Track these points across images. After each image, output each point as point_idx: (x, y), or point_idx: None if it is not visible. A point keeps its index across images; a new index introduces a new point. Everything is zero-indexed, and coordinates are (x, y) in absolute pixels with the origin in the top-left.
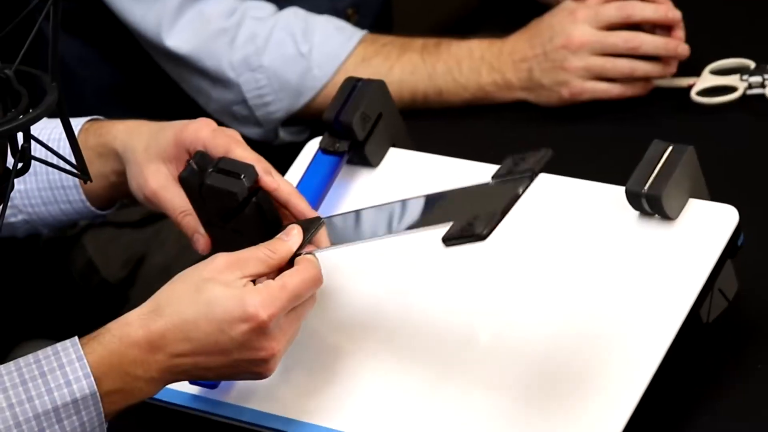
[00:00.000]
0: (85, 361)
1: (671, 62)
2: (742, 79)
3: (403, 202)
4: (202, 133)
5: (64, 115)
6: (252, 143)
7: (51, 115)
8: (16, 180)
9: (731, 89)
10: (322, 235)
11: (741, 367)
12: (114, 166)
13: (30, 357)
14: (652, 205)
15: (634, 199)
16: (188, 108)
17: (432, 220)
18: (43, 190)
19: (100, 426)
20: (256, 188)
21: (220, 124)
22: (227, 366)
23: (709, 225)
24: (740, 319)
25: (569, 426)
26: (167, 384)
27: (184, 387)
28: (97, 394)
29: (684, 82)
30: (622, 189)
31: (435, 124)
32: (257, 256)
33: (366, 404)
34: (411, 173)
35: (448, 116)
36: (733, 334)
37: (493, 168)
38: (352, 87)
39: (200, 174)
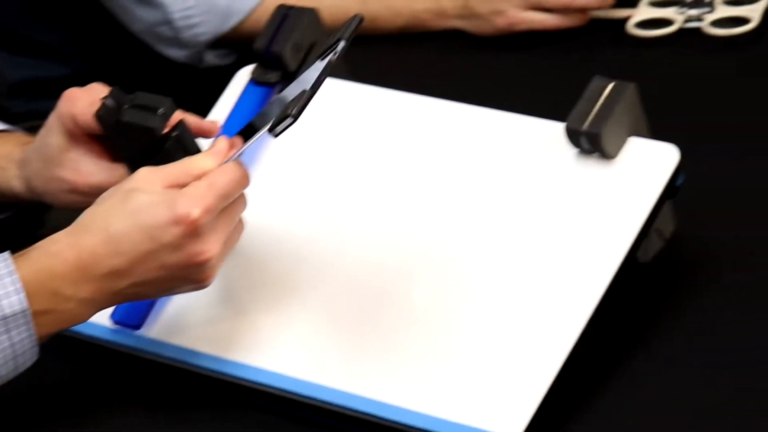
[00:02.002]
0: (17, 276)
1: None
2: (679, 12)
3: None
4: (80, 105)
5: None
6: (177, 66)
7: None
8: None
9: (668, 22)
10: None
11: (677, 308)
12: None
13: None
14: (591, 142)
15: (573, 136)
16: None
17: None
18: None
19: (32, 349)
20: (177, 123)
21: (142, 46)
22: (164, 279)
23: (649, 164)
24: (677, 260)
25: (503, 368)
26: (102, 308)
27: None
28: (29, 311)
29: (621, 13)
30: (560, 125)
31: (367, 52)
32: (181, 166)
33: (295, 343)
34: (344, 105)
35: (380, 44)
36: (670, 274)
37: (429, 100)
38: (284, 15)
39: (116, 111)
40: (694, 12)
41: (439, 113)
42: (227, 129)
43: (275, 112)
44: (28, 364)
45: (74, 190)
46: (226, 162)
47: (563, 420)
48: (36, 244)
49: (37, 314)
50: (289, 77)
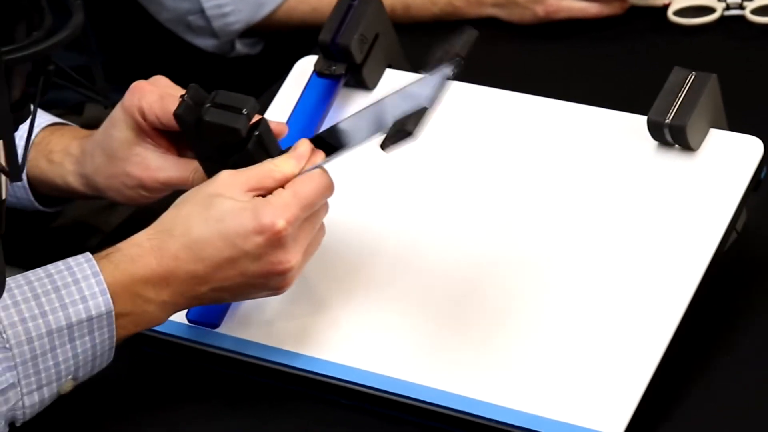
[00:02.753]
0: (101, 277)
1: None
2: (719, 0)
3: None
4: (149, 99)
5: (87, 36)
6: (206, 55)
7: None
8: None
9: (709, 10)
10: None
11: (756, 304)
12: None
13: (40, 271)
14: (674, 135)
15: (655, 129)
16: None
17: (374, 129)
18: None
19: (110, 350)
20: (257, 121)
21: (170, 34)
22: (243, 285)
23: (733, 157)
24: (750, 253)
25: (599, 365)
26: (179, 310)
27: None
28: (113, 312)
29: (659, 1)
30: (635, 117)
31: (401, 41)
32: (263, 170)
33: (381, 340)
34: None
35: (414, 32)
36: (744, 267)
37: (484, 89)
38: (348, 6)
39: (196, 109)
40: (734, 0)
41: (514, 106)
42: (293, 123)
43: (367, 123)
44: (104, 365)
45: (141, 186)
46: (310, 169)
47: (659, 417)
48: (117, 245)
49: (118, 316)
50: (356, 69)
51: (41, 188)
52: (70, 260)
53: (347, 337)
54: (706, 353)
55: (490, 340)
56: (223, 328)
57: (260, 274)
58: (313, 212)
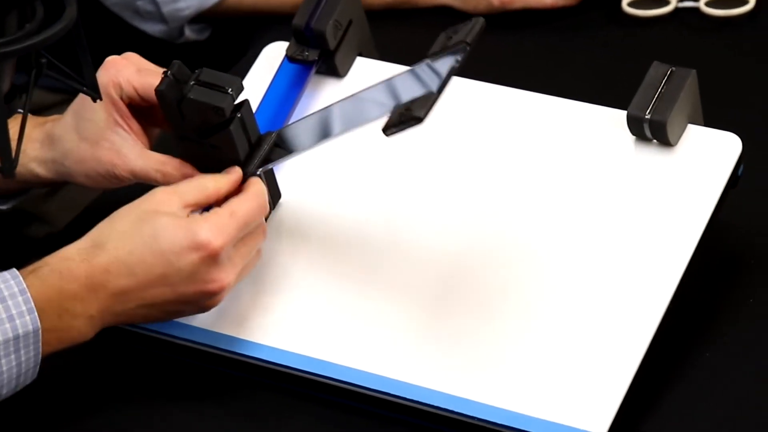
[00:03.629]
0: (28, 294)
1: None
2: None
3: (345, 101)
4: (126, 73)
5: (79, 30)
6: (152, 41)
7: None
8: None
9: (663, 1)
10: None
11: (733, 300)
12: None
13: None
14: (654, 131)
15: (635, 124)
16: None
17: (375, 112)
18: None
19: (34, 368)
20: (240, 102)
21: (115, 19)
22: (172, 302)
23: (712, 153)
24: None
25: (581, 363)
26: (104, 326)
27: None
28: (39, 331)
29: None
30: (611, 110)
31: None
32: (197, 185)
33: (355, 338)
34: None
35: (384, 21)
36: (721, 265)
37: (461, 80)
38: None
39: (179, 87)
40: None
41: (488, 98)
42: (264, 109)
43: (350, 110)
44: (28, 382)
45: (111, 173)
46: (249, 176)
47: (644, 413)
48: (46, 258)
49: (44, 332)
50: (328, 55)
51: None
52: None
53: (334, 335)
54: (687, 349)
55: (474, 338)
56: (197, 321)
57: (192, 292)
58: (249, 232)
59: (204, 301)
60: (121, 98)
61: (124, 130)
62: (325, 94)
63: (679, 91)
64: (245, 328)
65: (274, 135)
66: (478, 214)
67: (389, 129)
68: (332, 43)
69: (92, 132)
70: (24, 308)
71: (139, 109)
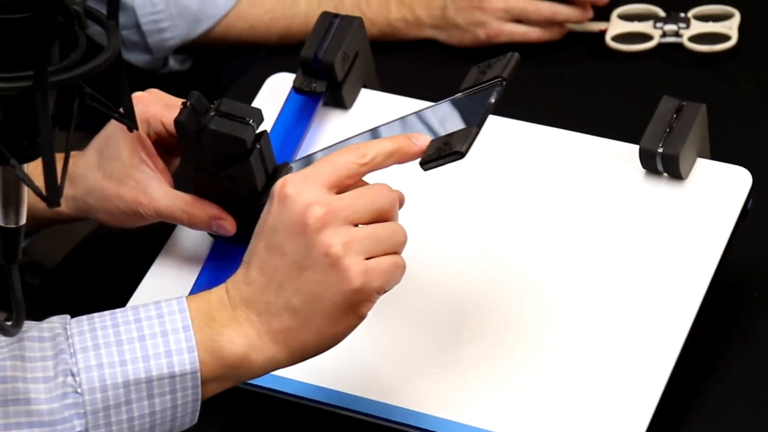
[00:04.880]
0: (192, 332)
1: (588, 7)
2: (656, 27)
3: (376, 130)
4: (153, 109)
5: (120, 59)
6: (137, 72)
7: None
8: None
9: (646, 37)
10: None
11: (741, 333)
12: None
13: (129, 312)
14: (666, 164)
15: (647, 158)
16: None
17: None
18: None
19: (192, 414)
20: (260, 133)
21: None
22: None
23: (723, 187)
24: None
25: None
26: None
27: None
28: (199, 373)
29: (596, 26)
30: (621, 144)
31: None
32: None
33: (378, 367)
34: (385, 115)
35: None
36: (727, 299)
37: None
38: (330, 23)
39: (198, 117)
40: (670, 27)
41: (504, 132)
42: (272, 140)
43: None
44: (186, 427)
45: (136, 213)
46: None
47: None
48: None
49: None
50: (336, 87)
51: None
52: (163, 305)
53: (340, 362)
54: (701, 381)
55: (488, 367)
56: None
57: (309, 256)
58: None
59: (331, 277)
60: (148, 134)
61: (149, 168)
62: (331, 125)
63: (691, 124)
64: None
65: (289, 166)
66: (488, 247)
67: (427, 164)
68: (340, 75)
69: (117, 170)
70: (184, 345)
71: (163, 145)
